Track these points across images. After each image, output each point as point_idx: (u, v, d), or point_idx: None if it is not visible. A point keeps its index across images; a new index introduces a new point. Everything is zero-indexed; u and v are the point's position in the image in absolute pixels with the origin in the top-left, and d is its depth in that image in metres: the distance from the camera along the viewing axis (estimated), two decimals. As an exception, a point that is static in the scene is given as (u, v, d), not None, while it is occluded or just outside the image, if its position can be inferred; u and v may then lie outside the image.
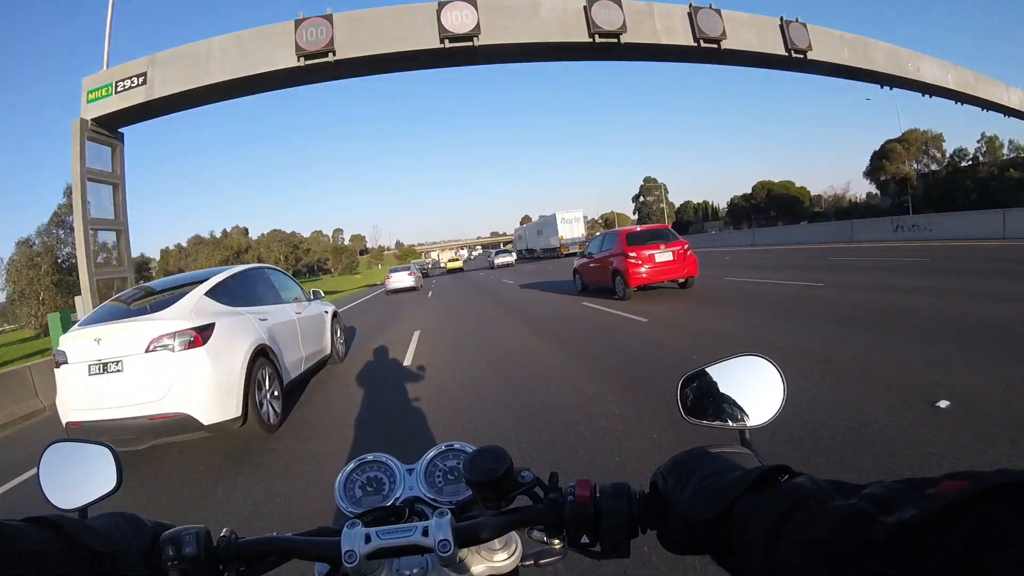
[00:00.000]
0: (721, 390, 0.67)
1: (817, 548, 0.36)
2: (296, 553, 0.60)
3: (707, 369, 0.69)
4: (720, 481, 0.49)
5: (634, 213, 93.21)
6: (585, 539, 0.56)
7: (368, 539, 0.57)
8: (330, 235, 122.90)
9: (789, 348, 5.24)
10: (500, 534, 0.61)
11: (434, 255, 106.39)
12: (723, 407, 0.66)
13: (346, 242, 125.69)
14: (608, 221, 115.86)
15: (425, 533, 0.57)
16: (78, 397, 4.11)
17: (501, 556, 0.69)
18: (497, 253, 44.71)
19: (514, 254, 44.63)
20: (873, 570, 0.33)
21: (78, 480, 0.69)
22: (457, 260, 50.52)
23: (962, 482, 0.32)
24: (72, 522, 0.53)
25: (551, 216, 44.79)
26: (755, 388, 0.66)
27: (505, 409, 4.50)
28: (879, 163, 45.63)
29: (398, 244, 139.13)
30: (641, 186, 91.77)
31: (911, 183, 42.85)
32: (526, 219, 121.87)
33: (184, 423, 3.96)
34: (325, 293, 7.94)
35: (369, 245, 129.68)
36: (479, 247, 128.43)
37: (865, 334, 5.44)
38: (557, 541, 0.60)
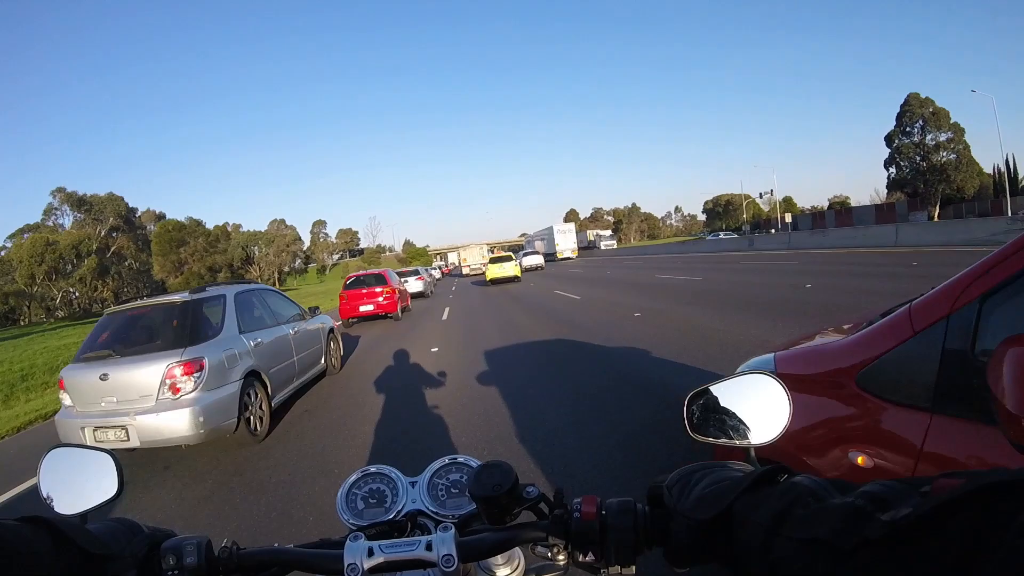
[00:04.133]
0: (727, 407, 0.67)
1: (816, 545, 0.37)
2: (297, 565, 0.60)
3: (713, 387, 0.69)
4: (721, 484, 0.50)
5: (889, 167, 46.98)
6: (590, 556, 0.55)
7: (371, 552, 0.57)
8: (307, 229, 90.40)
9: None
10: (504, 550, 0.61)
11: (452, 257, 72.49)
12: (728, 424, 0.67)
13: (331, 238, 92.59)
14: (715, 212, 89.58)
15: (429, 548, 0.57)
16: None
17: (504, 571, 0.69)
18: (524, 254, 36.00)
19: (542, 256, 35.78)
20: (870, 567, 0.34)
21: (79, 486, 0.69)
22: (509, 261, 25.14)
23: (957, 480, 0.33)
24: (66, 523, 0.53)
25: (550, 228, 55.33)
26: (760, 406, 0.67)
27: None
28: None
29: (407, 244, 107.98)
30: (903, 110, 44.10)
31: None
32: (572, 214, 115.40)
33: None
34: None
35: (364, 245, 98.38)
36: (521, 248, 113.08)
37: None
38: (561, 557, 0.59)
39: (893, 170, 47.35)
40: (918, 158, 44.78)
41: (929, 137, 44.23)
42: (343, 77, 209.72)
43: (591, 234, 79.83)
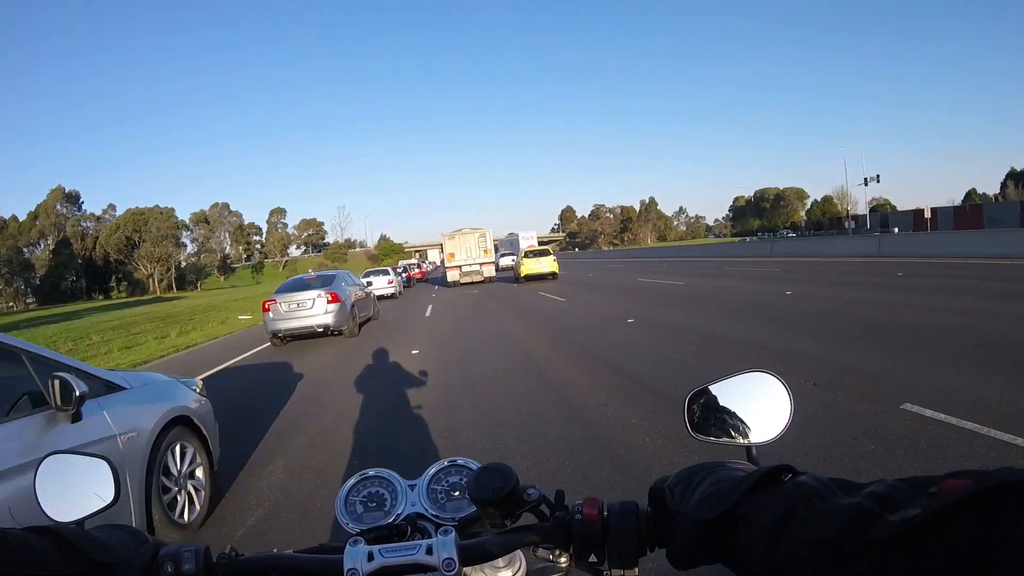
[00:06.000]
0: (728, 407, 0.67)
1: (821, 546, 0.37)
2: (297, 571, 0.59)
3: (713, 386, 0.69)
4: (724, 484, 0.49)
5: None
6: (592, 557, 0.55)
7: (371, 557, 0.56)
8: (262, 220, 72.08)
9: None
10: (506, 552, 0.61)
11: (434, 255, 63.38)
12: (730, 424, 0.67)
13: (290, 229, 75.87)
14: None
15: (429, 551, 0.56)
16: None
17: (505, 574, 0.69)
18: (500, 255, 32.65)
19: (513, 257, 32.06)
20: (877, 568, 0.33)
21: (75, 492, 0.69)
22: (547, 256, 21.68)
23: (964, 480, 0.32)
24: (73, 532, 0.54)
25: (516, 234, 63.98)
26: (762, 404, 0.66)
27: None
28: None
29: (382, 239, 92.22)
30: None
31: None
32: (568, 211, 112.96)
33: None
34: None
35: (331, 238, 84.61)
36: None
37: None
38: (563, 559, 0.59)
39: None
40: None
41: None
42: (324, 66, 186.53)
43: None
